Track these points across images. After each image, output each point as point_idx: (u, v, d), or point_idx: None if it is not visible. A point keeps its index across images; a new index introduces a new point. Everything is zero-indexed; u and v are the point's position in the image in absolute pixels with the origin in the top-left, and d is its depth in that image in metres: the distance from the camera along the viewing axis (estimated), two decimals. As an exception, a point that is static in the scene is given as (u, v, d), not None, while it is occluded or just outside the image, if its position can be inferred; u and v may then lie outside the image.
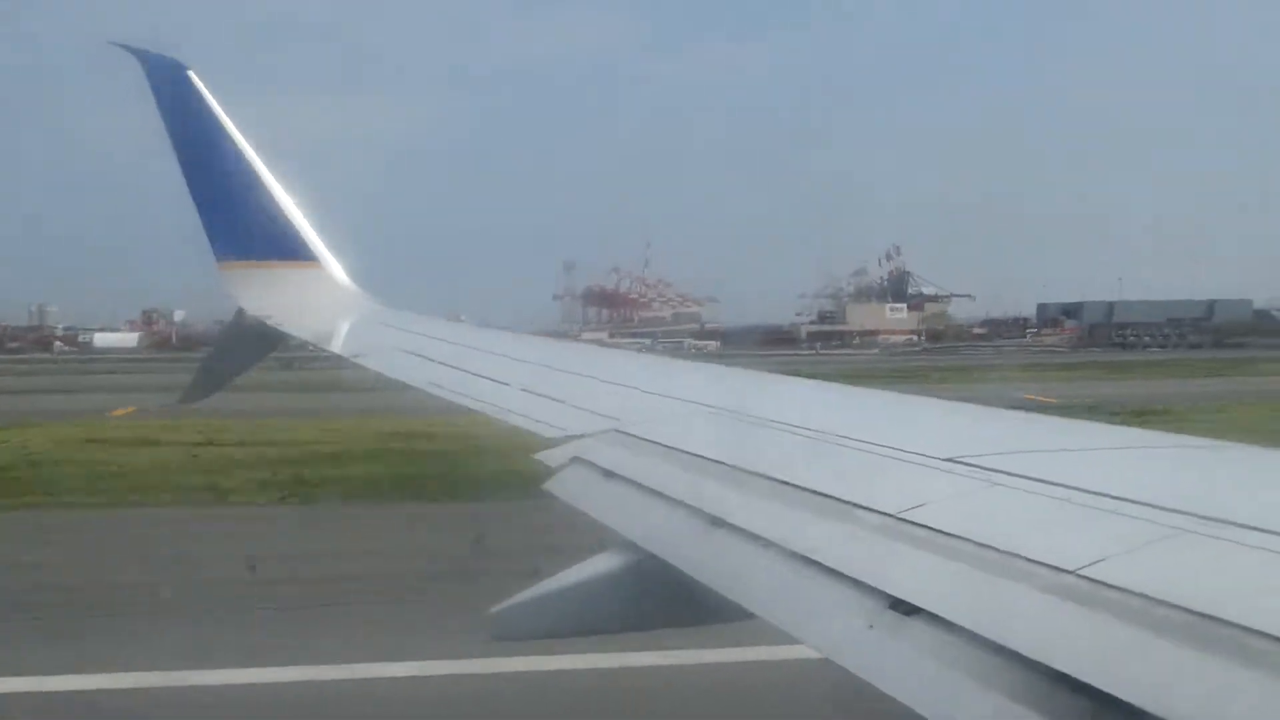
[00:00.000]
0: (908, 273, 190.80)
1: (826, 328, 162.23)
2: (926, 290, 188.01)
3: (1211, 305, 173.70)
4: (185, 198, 9.76)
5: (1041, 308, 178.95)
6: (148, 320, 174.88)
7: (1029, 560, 2.79)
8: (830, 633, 2.95)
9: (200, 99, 9.74)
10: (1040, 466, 3.54)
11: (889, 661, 2.71)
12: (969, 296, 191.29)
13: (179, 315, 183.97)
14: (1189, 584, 2.46)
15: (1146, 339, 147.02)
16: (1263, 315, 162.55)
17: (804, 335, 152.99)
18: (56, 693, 12.17)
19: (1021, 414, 5.07)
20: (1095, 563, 2.65)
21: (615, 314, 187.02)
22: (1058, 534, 2.93)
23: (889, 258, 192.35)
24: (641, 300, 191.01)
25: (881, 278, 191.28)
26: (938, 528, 3.15)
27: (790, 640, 3.10)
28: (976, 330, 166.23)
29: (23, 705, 11.82)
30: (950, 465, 3.72)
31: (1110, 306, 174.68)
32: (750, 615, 3.31)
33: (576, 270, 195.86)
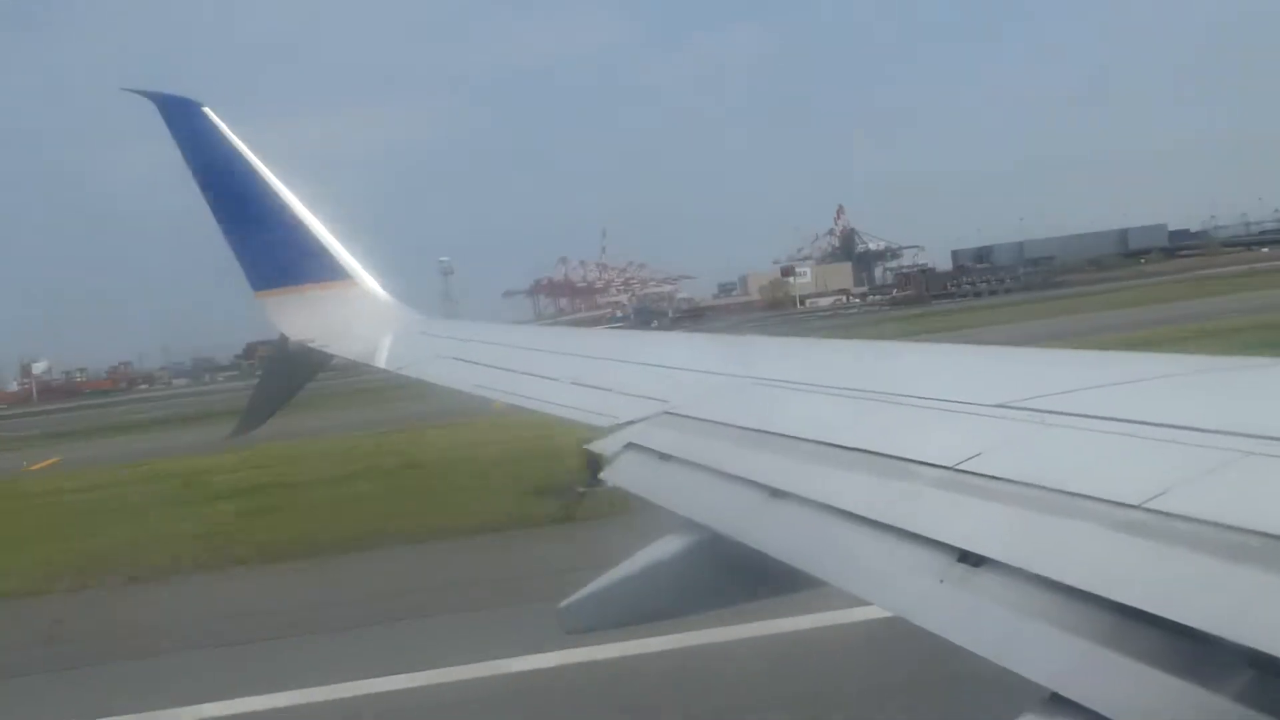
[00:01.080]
0: (854, 230, 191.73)
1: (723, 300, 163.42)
2: (873, 245, 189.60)
3: (1125, 233, 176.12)
4: (215, 232, 9.81)
5: (955, 255, 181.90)
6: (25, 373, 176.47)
7: (1091, 498, 2.77)
8: (901, 591, 2.94)
9: (218, 134, 9.74)
10: (1090, 403, 3.52)
11: (962, 614, 2.70)
12: (918, 247, 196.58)
13: (39, 367, 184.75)
14: (1256, 507, 2.43)
15: (983, 285, 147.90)
16: (1180, 235, 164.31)
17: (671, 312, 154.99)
18: None
19: (1067, 352, 5.03)
20: (1159, 495, 2.63)
21: (574, 302, 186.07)
22: (1116, 469, 2.92)
23: (836, 219, 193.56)
24: (596, 286, 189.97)
25: (833, 237, 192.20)
26: (996, 475, 3.13)
27: (861, 603, 3.10)
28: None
29: None
30: (1001, 411, 3.70)
31: (1020, 247, 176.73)
32: (819, 583, 3.31)
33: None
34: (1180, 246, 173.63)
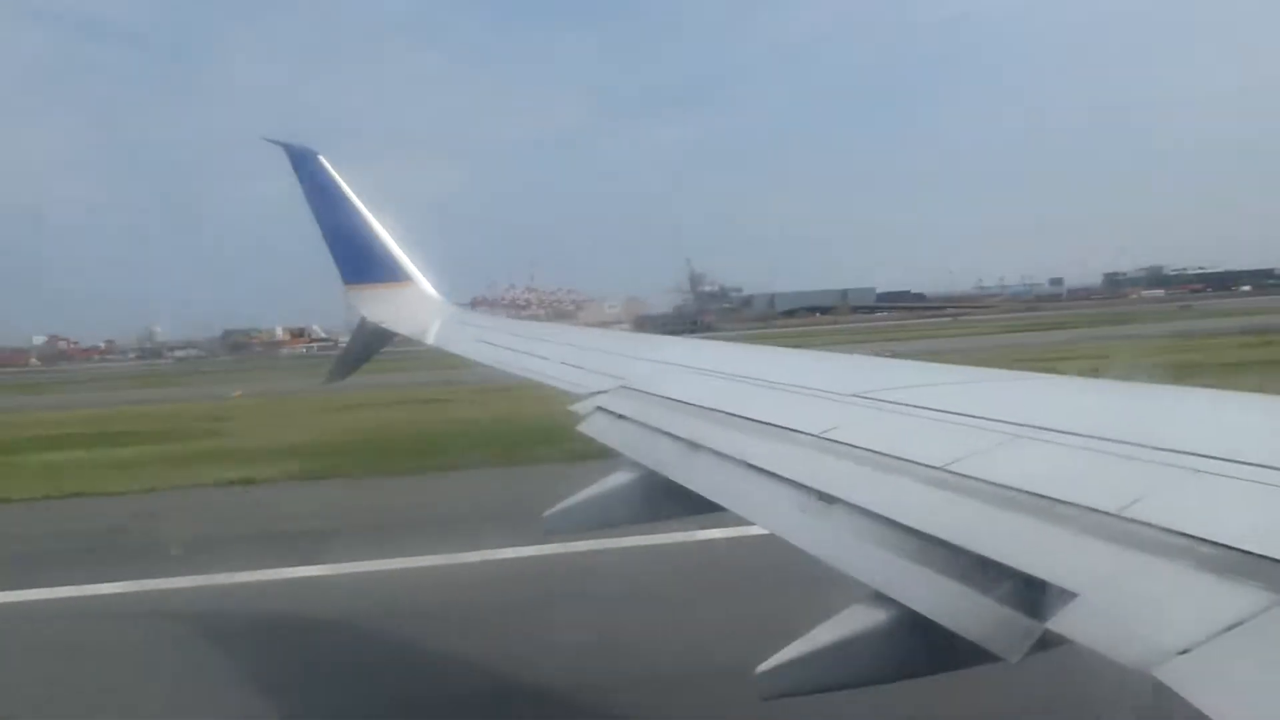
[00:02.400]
0: (699, 273, 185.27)
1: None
2: (708, 288, 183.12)
3: (845, 292, 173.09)
4: (321, 243, 9.88)
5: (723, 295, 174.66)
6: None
7: (911, 461, 2.82)
8: (778, 517, 2.98)
9: (328, 174, 9.81)
10: (916, 397, 3.57)
11: (818, 535, 2.75)
12: (736, 290, 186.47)
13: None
14: (1018, 471, 2.49)
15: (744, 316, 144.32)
16: (883, 296, 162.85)
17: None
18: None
19: (908, 361, 5.08)
20: (956, 461, 2.68)
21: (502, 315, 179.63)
22: (930, 443, 2.96)
23: (686, 263, 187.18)
24: (519, 302, 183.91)
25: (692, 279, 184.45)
26: (847, 442, 3.18)
27: (748, 523, 3.13)
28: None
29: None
30: (855, 399, 3.74)
31: (771, 297, 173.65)
32: (723, 509, 3.35)
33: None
34: (877, 306, 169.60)
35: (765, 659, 2.52)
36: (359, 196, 10.07)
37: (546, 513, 4.25)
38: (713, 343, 7.85)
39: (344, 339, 14.88)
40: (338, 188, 9.92)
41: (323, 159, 9.88)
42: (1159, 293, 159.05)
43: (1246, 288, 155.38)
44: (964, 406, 3.28)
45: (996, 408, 3.21)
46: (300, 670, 9.82)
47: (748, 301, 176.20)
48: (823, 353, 6.15)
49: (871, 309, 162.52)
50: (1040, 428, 2.82)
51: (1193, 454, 2.30)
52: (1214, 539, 1.86)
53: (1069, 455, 2.57)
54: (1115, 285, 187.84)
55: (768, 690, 2.53)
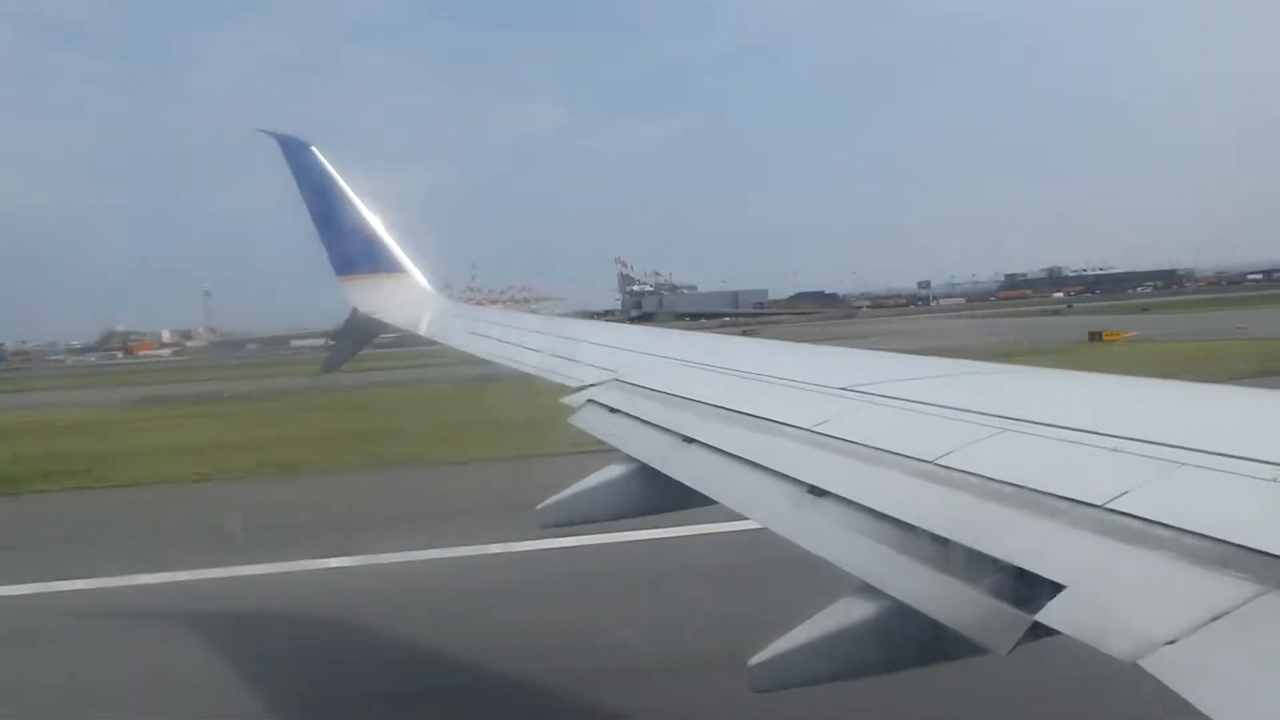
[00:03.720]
0: (628, 275, 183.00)
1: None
2: (636, 287, 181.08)
3: (736, 295, 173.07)
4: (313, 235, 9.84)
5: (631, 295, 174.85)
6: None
7: (899, 455, 2.83)
8: (768, 510, 2.99)
9: (319, 164, 9.78)
10: (904, 390, 3.58)
11: (808, 528, 2.76)
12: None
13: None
14: (1006, 465, 2.50)
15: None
16: (773, 302, 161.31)
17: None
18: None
19: (898, 355, 5.08)
20: (945, 454, 2.69)
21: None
22: (918, 437, 2.97)
23: (617, 262, 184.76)
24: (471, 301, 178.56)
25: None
26: (837, 435, 3.19)
27: (740, 517, 3.14)
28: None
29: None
30: (843, 393, 3.75)
31: (676, 297, 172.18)
32: (714, 502, 3.36)
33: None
34: (763, 311, 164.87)
35: (758, 652, 2.54)
36: (351, 188, 10.05)
37: (539, 506, 4.26)
38: (705, 335, 7.84)
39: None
40: (330, 179, 9.89)
41: (315, 150, 9.85)
42: (1058, 294, 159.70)
43: (1145, 287, 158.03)
44: (952, 400, 3.29)
45: (985, 401, 3.22)
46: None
47: (659, 303, 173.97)
48: (813, 347, 6.16)
49: (756, 313, 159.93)
50: (1027, 421, 2.84)
51: (1179, 447, 2.31)
52: (1200, 531, 1.88)
53: (1056, 448, 2.58)
54: (1013, 285, 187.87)
55: (761, 682, 2.55)
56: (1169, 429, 2.49)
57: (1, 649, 10.66)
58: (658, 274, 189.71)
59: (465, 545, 13.03)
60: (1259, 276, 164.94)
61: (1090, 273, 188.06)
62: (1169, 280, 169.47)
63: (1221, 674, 1.56)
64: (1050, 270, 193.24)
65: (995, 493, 2.37)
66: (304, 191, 9.84)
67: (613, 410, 4.67)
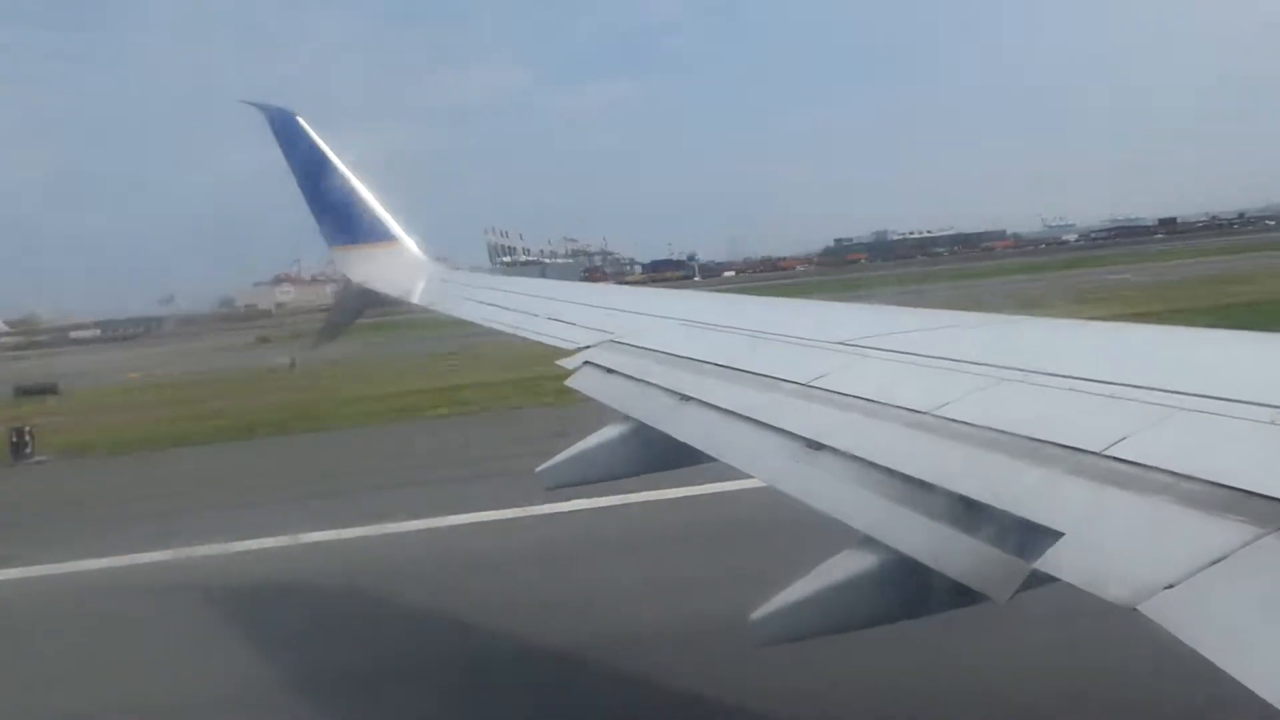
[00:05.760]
0: (501, 245, 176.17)
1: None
2: (509, 259, 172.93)
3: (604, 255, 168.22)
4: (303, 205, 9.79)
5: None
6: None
7: (896, 407, 2.83)
8: (767, 466, 2.99)
9: (307, 135, 9.69)
10: (900, 343, 3.58)
11: (808, 482, 2.76)
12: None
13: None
14: (1002, 415, 2.50)
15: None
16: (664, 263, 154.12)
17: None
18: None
19: (893, 308, 5.07)
20: (943, 405, 2.69)
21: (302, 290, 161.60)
22: (915, 388, 2.96)
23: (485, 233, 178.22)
24: (319, 279, 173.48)
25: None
26: (835, 390, 3.19)
27: (742, 475, 3.15)
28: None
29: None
30: (840, 347, 3.75)
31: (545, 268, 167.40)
32: (713, 459, 3.37)
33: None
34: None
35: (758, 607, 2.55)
36: (339, 157, 9.97)
37: (539, 468, 4.28)
38: (698, 293, 7.85)
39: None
40: (318, 149, 9.80)
41: (301, 120, 9.75)
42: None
43: (993, 246, 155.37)
44: (948, 352, 3.28)
45: (980, 352, 3.21)
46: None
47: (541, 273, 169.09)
48: (807, 302, 6.16)
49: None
50: (1024, 370, 2.83)
51: (1176, 392, 2.31)
52: (1197, 475, 1.88)
53: (1053, 397, 2.58)
54: (842, 250, 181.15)
55: (761, 637, 2.56)
56: (1166, 375, 2.49)
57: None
58: (571, 240, 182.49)
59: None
60: (1075, 237, 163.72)
61: (917, 235, 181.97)
62: (966, 243, 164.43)
63: (1220, 617, 1.57)
64: (877, 234, 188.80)
65: (993, 442, 2.38)
66: (292, 163, 9.76)
67: (609, 371, 4.67)
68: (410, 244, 10.33)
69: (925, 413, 2.69)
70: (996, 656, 7.06)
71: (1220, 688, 1.50)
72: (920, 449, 2.54)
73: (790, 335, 4.27)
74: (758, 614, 2.53)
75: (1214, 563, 1.65)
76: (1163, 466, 1.95)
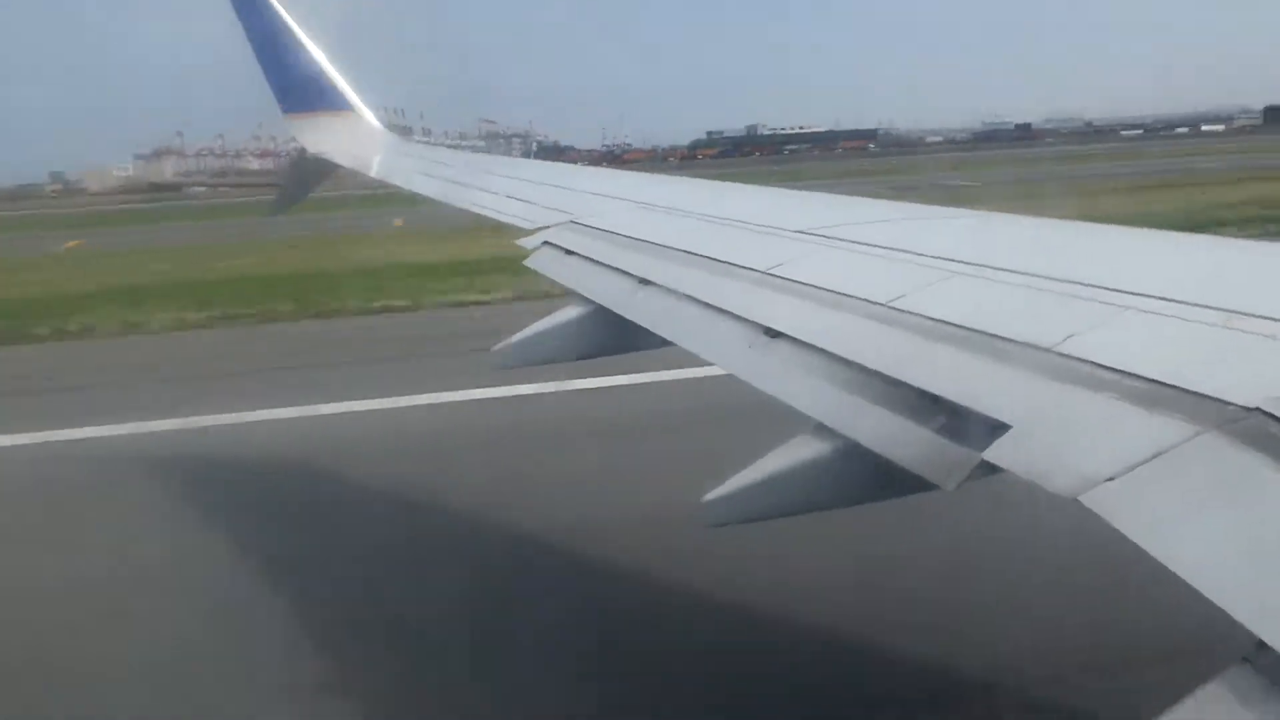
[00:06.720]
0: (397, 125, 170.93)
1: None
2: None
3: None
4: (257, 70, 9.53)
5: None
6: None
7: (853, 297, 2.86)
8: (724, 353, 3.02)
9: None
10: (859, 234, 3.59)
11: (764, 370, 2.79)
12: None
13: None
14: (952, 308, 2.54)
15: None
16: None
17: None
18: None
19: (854, 199, 5.06)
20: (899, 297, 2.72)
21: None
22: (872, 279, 2.98)
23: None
24: (204, 153, 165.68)
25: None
26: (792, 278, 3.20)
27: (698, 360, 3.18)
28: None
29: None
30: (799, 235, 3.75)
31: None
32: (670, 344, 3.39)
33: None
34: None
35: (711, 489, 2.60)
36: (295, 18, 9.67)
37: (494, 347, 4.29)
38: (660, 177, 7.77)
39: None
40: (272, 9, 9.50)
41: None
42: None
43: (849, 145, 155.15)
44: (907, 244, 3.30)
45: (939, 245, 3.23)
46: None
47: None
48: (769, 189, 6.14)
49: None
50: (980, 265, 2.86)
51: (1129, 292, 2.35)
52: (1143, 374, 1.93)
53: (1008, 292, 2.62)
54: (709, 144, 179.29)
55: (714, 518, 2.62)
56: (1121, 274, 2.52)
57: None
58: (489, 122, 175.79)
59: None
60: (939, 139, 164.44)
61: (789, 130, 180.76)
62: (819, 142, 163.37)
63: (1155, 509, 1.63)
64: (749, 128, 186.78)
65: (947, 335, 2.41)
66: (245, 23, 9.46)
67: (568, 252, 4.65)
68: (366, 113, 10.12)
69: (882, 304, 2.72)
70: (940, 541, 7.30)
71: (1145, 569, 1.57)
72: (875, 339, 2.57)
73: (750, 222, 4.26)
74: (710, 496, 2.59)
75: (1154, 457, 1.70)
76: (1110, 364, 2.00)
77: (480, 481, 9.71)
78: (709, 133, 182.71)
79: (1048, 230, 3.73)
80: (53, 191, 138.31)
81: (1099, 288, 2.43)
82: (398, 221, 30.66)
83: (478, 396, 12.16)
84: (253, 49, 9.46)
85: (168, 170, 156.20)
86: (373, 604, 7.47)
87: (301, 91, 9.73)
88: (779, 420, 2.61)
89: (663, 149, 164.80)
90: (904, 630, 6.53)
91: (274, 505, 9.69)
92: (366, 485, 9.92)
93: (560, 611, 6.98)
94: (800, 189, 6.01)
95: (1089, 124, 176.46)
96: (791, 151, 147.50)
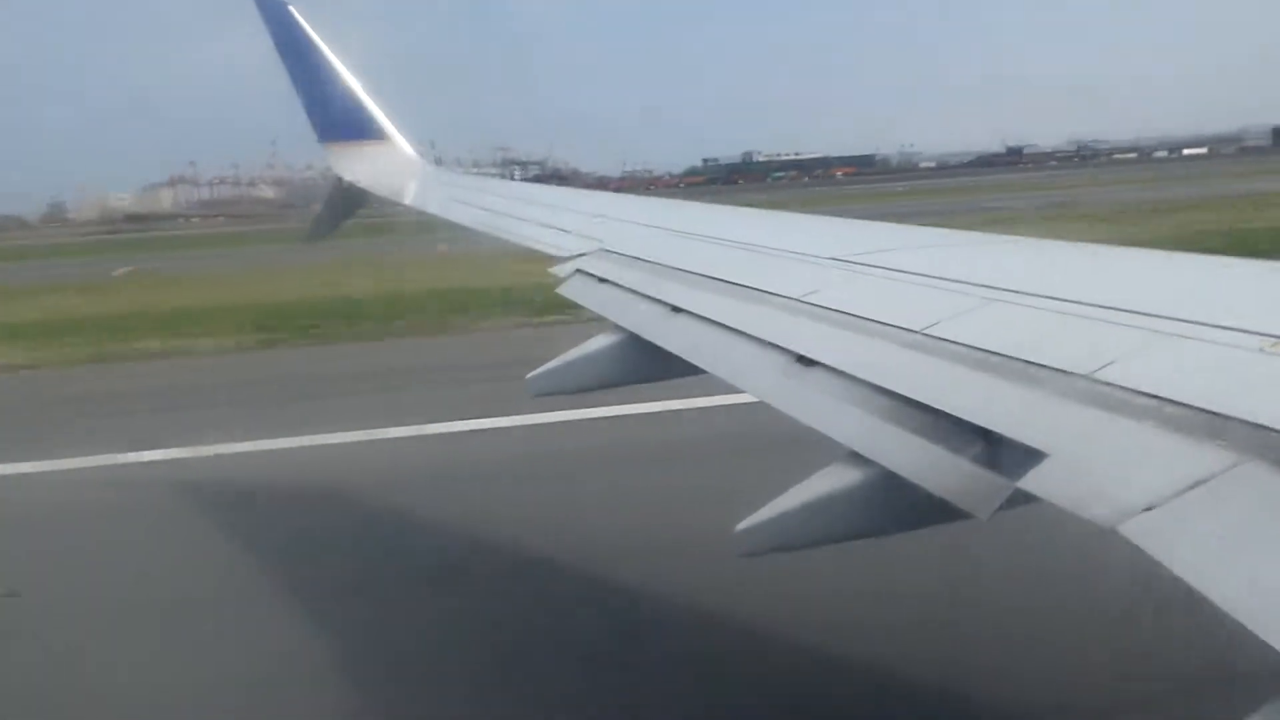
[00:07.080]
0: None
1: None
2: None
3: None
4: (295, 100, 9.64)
5: None
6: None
7: (888, 325, 2.84)
8: (757, 381, 3.01)
9: (300, 26, 9.50)
10: (893, 260, 3.57)
11: (797, 398, 2.78)
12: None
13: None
14: (993, 336, 2.52)
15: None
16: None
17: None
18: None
19: (879, 225, 5.04)
20: (933, 325, 2.70)
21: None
22: (907, 306, 2.97)
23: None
24: (215, 181, 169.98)
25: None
26: (826, 305, 3.19)
27: (731, 388, 3.17)
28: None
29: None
30: (832, 262, 3.74)
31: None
32: (702, 372, 3.39)
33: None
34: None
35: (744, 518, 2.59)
36: (333, 50, 9.79)
37: (529, 375, 4.30)
38: (692, 204, 7.78)
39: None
40: (311, 41, 9.61)
41: (294, 10, 9.54)
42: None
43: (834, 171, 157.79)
44: (941, 270, 3.28)
45: (973, 271, 3.21)
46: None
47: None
48: (801, 215, 6.13)
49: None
50: (1015, 291, 2.84)
51: (1166, 317, 2.32)
52: (1182, 400, 1.90)
53: (1043, 318, 2.59)
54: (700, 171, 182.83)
55: (746, 547, 2.60)
56: (1157, 299, 2.49)
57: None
58: (504, 149, 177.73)
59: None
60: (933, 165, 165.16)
61: (784, 157, 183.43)
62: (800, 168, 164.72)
63: (1195, 539, 1.60)
64: (744, 154, 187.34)
65: (982, 362, 2.39)
66: (283, 54, 9.58)
67: (601, 280, 4.66)
68: (402, 142, 10.21)
69: (916, 331, 2.70)
70: (975, 570, 7.21)
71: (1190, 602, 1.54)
72: (910, 367, 2.55)
73: (783, 249, 4.26)
74: (743, 525, 2.58)
75: (1193, 486, 1.68)
76: (1149, 391, 1.97)
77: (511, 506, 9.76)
78: (705, 159, 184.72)
79: (1080, 255, 3.70)
80: (41, 221, 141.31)
81: (1135, 313, 2.40)
82: (442, 247, 30.82)
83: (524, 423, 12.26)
84: (291, 80, 9.58)
85: (166, 201, 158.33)
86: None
87: (338, 121, 9.84)
88: (812, 448, 2.59)
89: (655, 174, 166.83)
90: (943, 665, 6.45)
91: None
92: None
93: (584, 643, 6.95)
94: (811, 214, 6.02)
95: (1081, 146, 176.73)
96: (779, 178, 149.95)
